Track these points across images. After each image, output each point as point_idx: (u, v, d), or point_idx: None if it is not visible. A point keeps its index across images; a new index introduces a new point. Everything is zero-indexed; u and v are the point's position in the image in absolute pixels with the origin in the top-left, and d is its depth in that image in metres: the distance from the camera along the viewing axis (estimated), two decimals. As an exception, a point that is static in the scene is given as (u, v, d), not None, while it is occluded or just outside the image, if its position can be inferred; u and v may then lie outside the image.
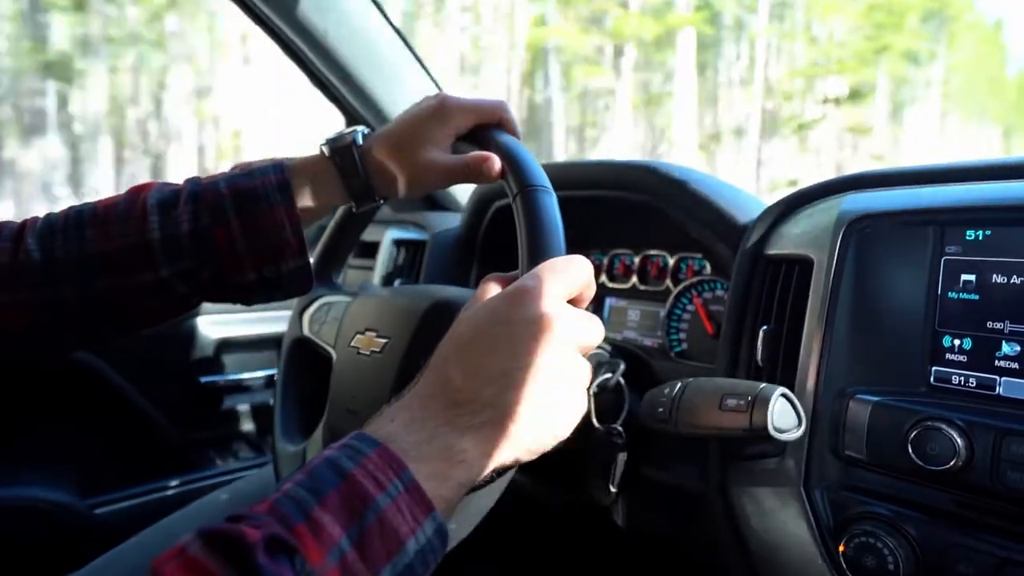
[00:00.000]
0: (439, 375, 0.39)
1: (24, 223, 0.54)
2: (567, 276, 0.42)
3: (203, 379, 1.18)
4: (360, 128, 0.57)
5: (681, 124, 15.34)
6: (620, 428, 0.65)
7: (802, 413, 0.49)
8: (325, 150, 0.56)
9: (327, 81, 1.02)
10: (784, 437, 0.47)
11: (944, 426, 0.47)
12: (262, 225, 0.53)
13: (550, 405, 0.39)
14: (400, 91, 1.04)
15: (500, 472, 0.41)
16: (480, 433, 0.37)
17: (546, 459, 0.69)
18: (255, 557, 0.28)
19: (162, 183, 0.56)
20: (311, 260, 0.58)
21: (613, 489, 0.67)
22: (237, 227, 0.52)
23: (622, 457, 0.67)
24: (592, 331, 0.42)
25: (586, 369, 0.42)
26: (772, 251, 0.64)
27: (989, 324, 0.49)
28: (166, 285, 0.52)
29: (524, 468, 0.44)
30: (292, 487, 0.33)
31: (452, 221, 1.10)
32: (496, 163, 0.53)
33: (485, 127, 0.57)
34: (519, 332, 0.39)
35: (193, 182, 0.55)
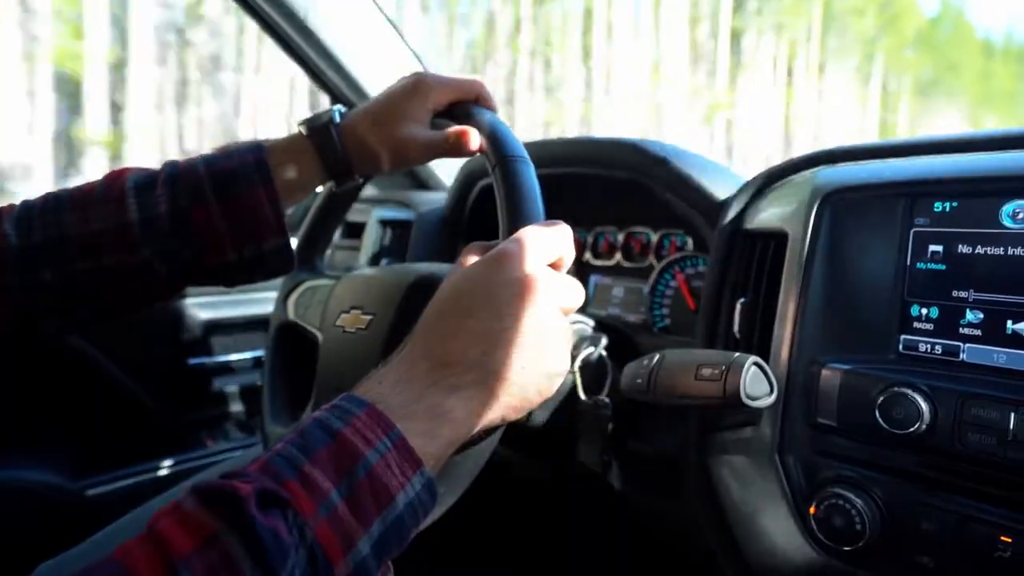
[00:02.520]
0: (425, 338, 0.40)
1: (0, 210, 0.54)
2: (547, 240, 0.43)
3: (192, 361, 1.18)
4: (337, 107, 0.58)
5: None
6: (607, 399, 0.66)
7: (774, 381, 0.50)
8: (303, 129, 0.57)
9: (310, 61, 1.01)
10: (756, 404, 0.49)
11: (910, 391, 0.48)
12: (241, 204, 0.53)
13: (535, 364, 0.40)
14: (383, 70, 1.03)
15: (489, 431, 0.42)
16: (467, 392, 0.38)
17: (536, 434, 0.71)
18: (248, 509, 0.29)
19: (139, 167, 0.56)
20: (294, 245, 0.58)
21: (604, 457, 0.69)
22: (216, 207, 0.53)
23: (611, 425, 0.68)
24: (573, 292, 0.43)
25: (569, 329, 0.43)
26: (749, 226, 0.66)
27: (954, 293, 0.51)
28: (146, 266, 0.53)
29: (515, 443, 0.45)
30: (284, 446, 0.34)
31: (438, 200, 1.10)
32: (475, 136, 0.54)
33: (463, 103, 0.58)
34: (502, 294, 0.40)
35: (171, 165, 0.55)
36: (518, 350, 0.39)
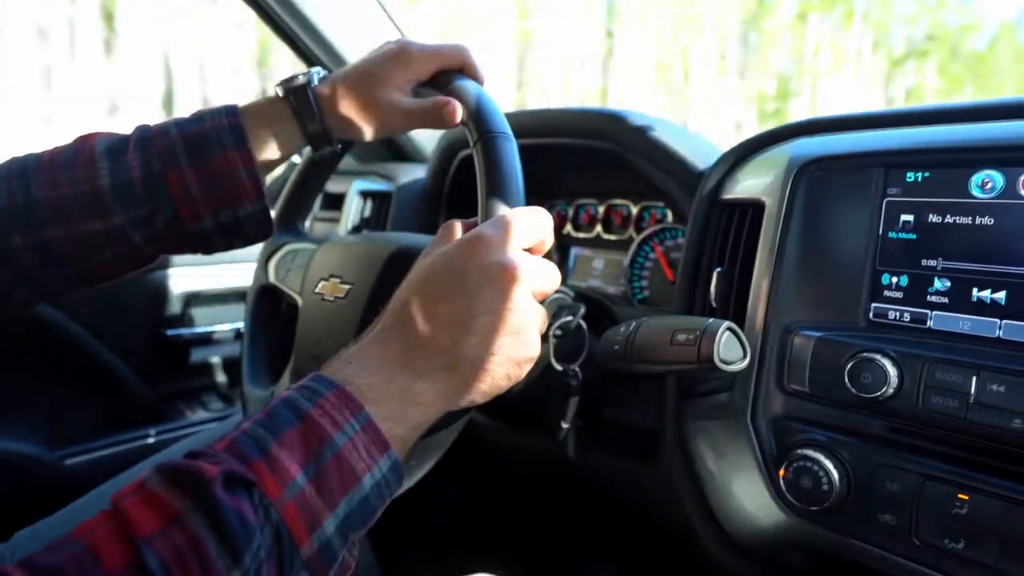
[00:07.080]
0: (397, 319, 0.40)
1: None
2: (525, 226, 0.43)
3: (170, 332, 1.17)
4: (316, 69, 0.56)
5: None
6: (577, 369, 0.67)
7: (747, 345, 0.51)
8: (279, 91, 0.55)
9: (285, 25, 0.99)
10: (730, 368, 0.50)
11: (878, 357, 0.50)
12: (215, 168, 0.52)
13: (505, 350, 0.40)
14: (361, 36, 1.01)
15: (457, 414, 0.42)
16: (436, 377, 0.39)
17: (503, 399, 0.71)
18: (213, 490, 0.29)
19: (108, 132, 0.54)
20: (277, 208, 0.57)
21: (565, 425, 0.69)
22: (190, 171, 0.51)
23: (575, 397, 0.69)
24: (548, 278, 0.43)
25: (541, 315, 0.43)
26: (727, 196, 0.66)
27: (924, 262, 0.52)
28: (119, 233, 0.51)
29: (481, 407, 0.45)
30: (251, 426, 0.34)
31: (418, 172, 1.09)
32: (457, 108, 0.52)
33: (447, 72, 0.57)
34: (476, 279, 0.39)
35: (142, 129, 0.53)
36: (489, 337, 0.39)
